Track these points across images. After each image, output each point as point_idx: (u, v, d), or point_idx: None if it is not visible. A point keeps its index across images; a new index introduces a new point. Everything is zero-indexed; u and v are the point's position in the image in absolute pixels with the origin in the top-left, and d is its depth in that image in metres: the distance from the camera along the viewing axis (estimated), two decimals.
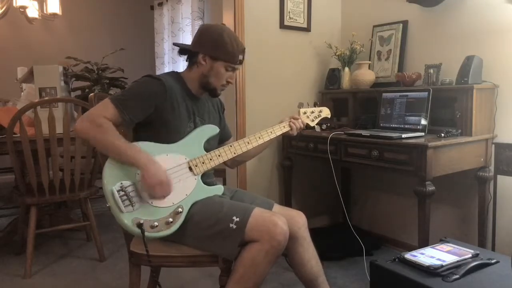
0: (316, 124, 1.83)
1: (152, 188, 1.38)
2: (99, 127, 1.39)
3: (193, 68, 1.58)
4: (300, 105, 1.82)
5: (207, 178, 1.60)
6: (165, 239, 1.46)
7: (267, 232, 1.37)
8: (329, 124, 2.63)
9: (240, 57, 1.57)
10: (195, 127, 1.58)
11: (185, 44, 1.65)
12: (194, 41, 1.59)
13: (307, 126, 1.81)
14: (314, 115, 1.81)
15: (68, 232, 3.03)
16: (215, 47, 1.52)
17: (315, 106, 1.84)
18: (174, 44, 1.72)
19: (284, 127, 1.70)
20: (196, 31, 1.61)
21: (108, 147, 1.40)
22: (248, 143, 1.62)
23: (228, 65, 1.55)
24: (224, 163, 1.76)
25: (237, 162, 1.79)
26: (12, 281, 2.27)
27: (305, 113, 1.79)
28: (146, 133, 1.50)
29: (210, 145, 1.61)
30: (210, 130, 1.60)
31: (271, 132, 1.67)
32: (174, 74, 1.61)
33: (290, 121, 1.71)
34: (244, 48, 1.59)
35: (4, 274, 2.37)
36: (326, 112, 1.85)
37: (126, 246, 1.57)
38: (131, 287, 1.55)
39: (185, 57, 1.61)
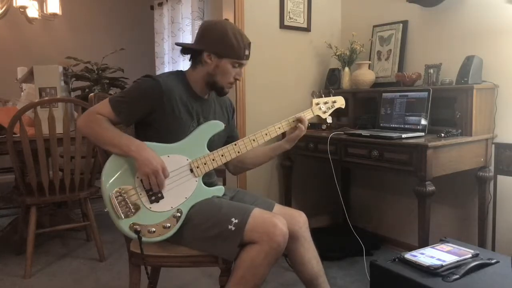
0: (328, 115, 1.71)
1: (146, 176, 1.35)
2: (93, 122, 1.41)
3: (198, 68, 1.52)
4: (313, 94, 1.71)
5: (209, 178, 1.57)
6: (164, 241, 1.45)
7: (266, 234, 1.35)
8: (329, 124, 2.60)
9: (246, 52, 1.50)
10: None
11: (187, 43, 1.61)
12: (197, 39, 1.53)
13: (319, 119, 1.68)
14: (327, 105, 1.68)
15: (68, 232, 3.02)
16: (220, 44, 1.46)
17: (329, 95, 1.70)
18: (177, 44, 1.67)
19: (293, 121, 1.59)
20: (198, 29, 1.57)
21: (104, 139, 1.40)
22: (253, 140, 1.53)
23: (235, 61, 1.49)
24: (227, 168, 1.73)
25: (239, 168, 1.73)
26: (12, 281, 2.27)
27: (317, 103, 1.67)
28: (146, 133, 1.48)
29: (215, 143, 1.56)
30: (214, 126, 1.53)
31: (279, 128, 1.57)
32: (178, 74, 1.56)
33: (300, 118, 1.58)
34: (250, 42, 1.52)
35: (4, 274, 2.36)
36: (340, 102, 1.72)
37: (126, 246, 1.57)
38: (131, 287, 1.55)
39: (188, 56, 1.55)
